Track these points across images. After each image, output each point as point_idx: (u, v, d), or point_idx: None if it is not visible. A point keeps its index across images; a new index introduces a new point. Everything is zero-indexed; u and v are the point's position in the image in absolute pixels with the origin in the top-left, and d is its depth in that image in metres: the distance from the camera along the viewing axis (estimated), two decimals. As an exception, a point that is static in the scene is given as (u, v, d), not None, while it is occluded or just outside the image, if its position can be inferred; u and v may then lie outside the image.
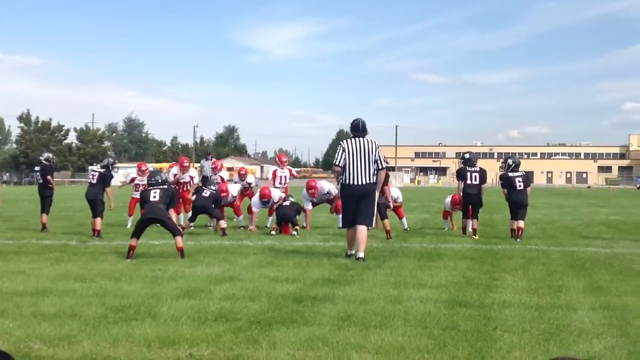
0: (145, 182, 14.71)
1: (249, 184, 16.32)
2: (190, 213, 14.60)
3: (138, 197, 14.11)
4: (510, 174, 12.74)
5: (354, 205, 9.61)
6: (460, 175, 13.30)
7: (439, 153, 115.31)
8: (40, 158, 14.97)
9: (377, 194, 9.87)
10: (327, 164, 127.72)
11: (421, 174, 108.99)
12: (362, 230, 9.47)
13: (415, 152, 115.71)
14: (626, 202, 32.27)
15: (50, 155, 15.33)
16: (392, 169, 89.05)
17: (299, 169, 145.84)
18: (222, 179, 16.25)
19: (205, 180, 17.32)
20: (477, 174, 13.12)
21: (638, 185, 75.59)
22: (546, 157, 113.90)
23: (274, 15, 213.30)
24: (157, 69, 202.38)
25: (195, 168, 20.41)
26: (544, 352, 4.65)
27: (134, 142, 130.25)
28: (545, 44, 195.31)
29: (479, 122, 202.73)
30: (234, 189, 15.32)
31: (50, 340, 4.87)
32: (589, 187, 78.99)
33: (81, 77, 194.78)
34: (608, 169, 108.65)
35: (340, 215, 12.19)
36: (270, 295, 6.59)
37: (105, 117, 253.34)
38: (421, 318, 5.61)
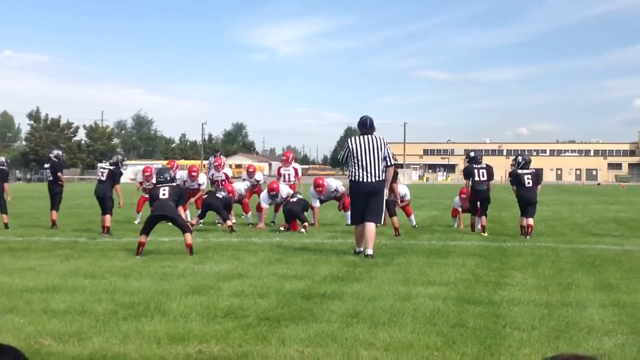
0: (151, 186, 14.99)
1: (258, 181, 16.34)
2: (200, 210, 14.69)
3: (146, 195, 14.35)
4: (519, 171, 12.69)
5: (362, 202, 9.59)
6: (468, 173, 13.29)
7: (447, 150, 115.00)
8: (50, 155, 15.01)
9: (386, 191, 9.86)
10: (335, 161, 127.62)
11: (430, 171, 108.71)
12: (370, 227, 9.46)
13: (424, 149, 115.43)
14: (636, 199, 32.09)
15: (60, 152, 15.38)
16: (401, 166, 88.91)
17: (306, 166, 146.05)
18: (227, 176, 16.23)
19: (211, 180, 17.33)
20: (484, 170, 13.12)
21: None
22: (555, 154, 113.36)
23: (280, 14, 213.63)
24: (166, 67, 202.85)
25: (204, 166, 20.43)
26: (553, 350, 4.64)
27: (142, 140, 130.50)
28: (552, 41, 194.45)
29: (486, 120, 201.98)
30: (241, 187, 15.34)
31: (60, 337, 4.90)
32: (598, 184, 78.62)
33: (89, 75, 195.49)
34: (618, 166, 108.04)
35: (349, 213, 12.18)
36: (279, 292, 6.60)
37: (114, 115, 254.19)
38: (430, 315, 5.61)
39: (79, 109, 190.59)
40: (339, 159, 10.02)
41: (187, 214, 14.86)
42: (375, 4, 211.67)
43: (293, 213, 13.46)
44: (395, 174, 13.39)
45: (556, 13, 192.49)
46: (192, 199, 14.92)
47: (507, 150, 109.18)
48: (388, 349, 4.64)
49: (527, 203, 12.53)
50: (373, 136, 9.70)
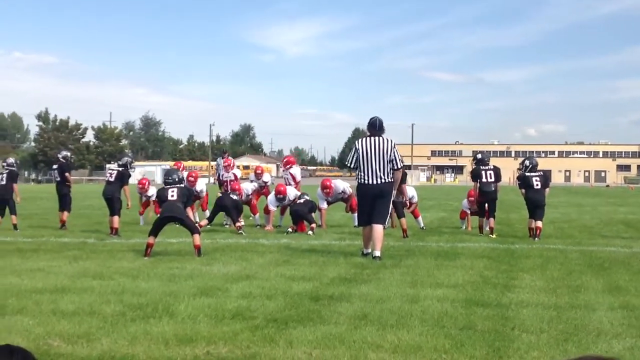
0: (149, 195, 15.40)
1: (265, 182, 16.35)
2: (207, 212, 14.75)
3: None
4: (527, 174, 12.65)
5: (369, 204, 9.58)
6: (475, 175, 13.26)
7: (455, 151, 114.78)
8: (58, 156, 15.08)
9: (393, 193, 9.85)
10: (343, 162, 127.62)
11: (437, 172, 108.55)
12: (378, 229, 9.44)
13: (432, 151, 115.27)
14: (645, 201, 31.93)
15: (68, 153, 15.44)
16: (408, 167, 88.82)
17: (314, 167, 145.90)
18: (236, 177, 16.26)
19: (221, 180, 17.36)
20: (491, 172, 13.10)
21: None
22: (564, 155, 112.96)
23: (287, 14, 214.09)
24: (174, 67, 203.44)
25: (212, 168, 20.47)
26: (562, 353, 4.62)
27: (150, 141, 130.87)
28: (560, 41, 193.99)
29: (494, 120, 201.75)
30: (249, 187, 15.35)
31: (69, 338, 4.92)
32: (607, 185, 78.27)
33: (98, 76, 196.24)
34: (627, 167, 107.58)
35: (356, 214, 12.18)
36: (286, 294, 6.60)
37: (122, 116, 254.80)
38: (438, 317, 5.60)
39: (88, 110, 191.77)
40: (348, 164, 9.94)
41: (197, 215, 14.90)
42: (382, 4, 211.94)
43: (300, 214, 13.47)
44: (404, 176, 13.39)
45: (564, 12, 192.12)
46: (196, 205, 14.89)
47: (515, 151, 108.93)
48: (396, 351, 4.63)
49: (535, 206, 12.48)
50: (381, 138, 9.66)
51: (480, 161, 13.38)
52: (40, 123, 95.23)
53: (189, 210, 10.29)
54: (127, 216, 15.46)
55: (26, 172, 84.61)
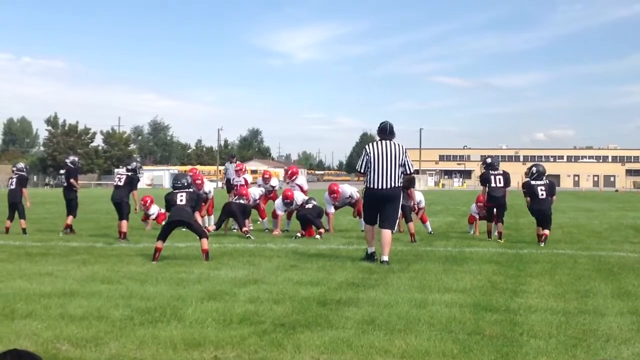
0: (150, 213, 15.62)
1: (273, 187, 16.36)
2: (212, 216, 14.79)
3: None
4: (532, 182, 12.45)
5: (377, 209, 9.55)
6: (484, 179, 13.21)
7: (463, 156, 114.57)
8: (66, 161, 15.12)
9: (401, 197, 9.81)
10: (350, 167, 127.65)
11: (445, 177, 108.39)
12: (386, 234, 9.42)
13: (440, 155, 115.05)
14: (655, 206, 31.77)
15: (76, 158, 15.49)
16: (417, 172, 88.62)
17: (322, 172, 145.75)
18: (246, 181, 16.30)
19: (229, 184, 17.39)
20: (500, 177, 13.03)
21: None
22: (573, 160, 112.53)
23: (296, 19, 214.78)
24: (182, 72, 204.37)
25: (220, 172, 20.53)
26: (571, 358, 4.61)
27: (159, 145, 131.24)
28: (568, 46, 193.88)
29: (502, 125, 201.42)
30: (256, 192, 15.36)
31: (77, 342, 4.93)
32: (616, 190, 77.91)
33: (106, 80, 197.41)
34: (637, 172, 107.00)
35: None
36: (294, 299, 6.60)
37: (131, 120, 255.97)
38: (446, 322, 5.58)
39: (96, 115, 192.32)
40: (358, 169, 9.81)
41: (206, 219, 14.92)
42: (390, 9, 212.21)
43: (308, 218, 13.47)
44: (412, 180, 13.37)
45: (572, 18, 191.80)
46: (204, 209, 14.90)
47: (523, 156, 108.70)
48: (404, 356, 4.62)
49: (540, 215, 12.30)
50: (392, 143, 9.60)
51: (489, 166, 13.33)
52: (50, 128, 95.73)
53: (197, 215, 10.30)
54: (136, 220, 15.52)
55: (35, 177, 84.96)
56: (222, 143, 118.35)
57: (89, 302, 6.41)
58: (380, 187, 9.45)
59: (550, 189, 12.53)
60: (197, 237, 9.93)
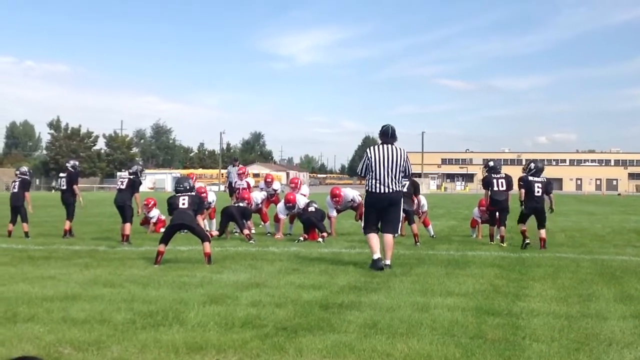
0: (150, 216, 15.68)
1: (275, 190, 16.37)
2: (214, 220, 14.81)
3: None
4: (530, 178, 12.38)
5: (378, 213, 9.45)
6: (487, 183, 13.20)
7: (465, 160, 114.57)
8: (67, 165, 15.08)
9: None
10: (352, 170, 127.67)
11: (448, 180, 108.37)
12: (388, 237, 9.39)
13: (442, 159, 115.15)
14: (657, 210, 31.72)
15: (77, 162, 15.48)
16: (419, 175, 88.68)
17: (324, 175, 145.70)
18: (248, 185, 16.31)
19: (231, 187, 17.40)
20: (503, 180, 13.01)
21: None
22: (575, 163, 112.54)
23: (299, 22, 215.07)
24: (184, 75, 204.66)
25: (222, 175, 20.53)
26: (573, 362, 4.60)
27: (161, 149, 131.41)
28: (571, 49, 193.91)
29: (505, 129, 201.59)
30: (258, 196, 15.37)
31: (79, 345, 4.93)
32: (619, 194, 77.82)
33: (109, 84, 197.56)
34: (639, 175, 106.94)
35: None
36: (296, 302, 6.59)
37: (133, 124, 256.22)
38: (448, 326, 5.57)
39: (99, 118, 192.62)
40: (359, 173, 9.75)
41: (206, 223, 14.93)
42: (393, 13, 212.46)
43: (312, 221, 13.48)
44: (417, 187, 13.39)
45: (575, 21, 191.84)
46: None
47: (525, 159, 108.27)
48: (406, 359, 4.62)
49: (534, 212, 12.20)
50: (394, 146, 9.51)
51: (492, 169, 13.32)
52: (52, 131, 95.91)
53: (199, 218, 10.32)
54: (137, 224, 15.53)
55: (38, 180, 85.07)
56: (225, 146, 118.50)
57: (92, 305, 6.41)
58: (381, 191, 9.37)
59: (546, 187, 12.42)
60: (200, 241, 9.93)
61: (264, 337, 5.18)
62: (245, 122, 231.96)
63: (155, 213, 15.76)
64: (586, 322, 5.82)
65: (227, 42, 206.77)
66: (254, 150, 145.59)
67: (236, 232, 14.75)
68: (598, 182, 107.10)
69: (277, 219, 14.46)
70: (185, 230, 10.78)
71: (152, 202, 15.65)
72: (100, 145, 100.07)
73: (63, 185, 14.65)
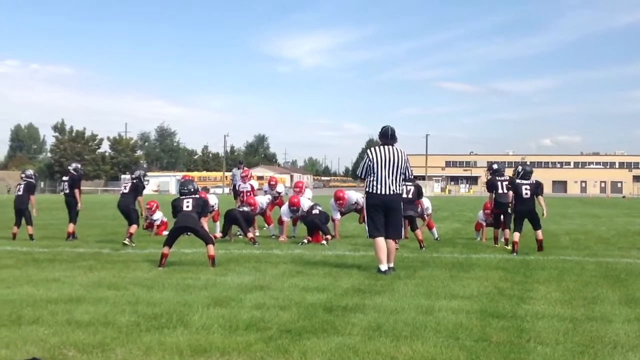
0: (154, 219, 15.69)
1: (279, 193, 16.37)
2: (218, 222, 14.83)
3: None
4: (518, 181, 12.14)
5: (380, 215, 9.30)
6: (491, 185, 13.17)
7: (470, 162, 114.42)
8: (69, 168, 15.08)
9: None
10: (356, 173, 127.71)
11: (452, 183, 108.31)
12: (390, 243, 9.31)
13: (446, 161, 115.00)
14: (662, 212, 31.64)
15: (79, 165, 15.49)
16: (423, 178, 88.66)
17: (328, 178, 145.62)
18: (252, 188, 16.32)
19: (235, 190, 17.39)
20: (507, 183, 12.96)
21: None
22: (580, 166, 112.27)
23: (303, 25, 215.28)
24: (188, 78, 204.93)
25: (227, 178, 20.55)
26: (578, 365, 4.58)
27: (165, 151, 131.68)
28: (576, 52, 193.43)
29: (509, 131, 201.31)
30: (263, 200, 15.37)
31: (84, 348, 4.93)
32: (623, 196, 77.63)
33: (113, 87, 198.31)
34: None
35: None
36: (300, 305, 6.59)
37: (137, 126, 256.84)
38: (453, 329, 5.57)
39: (103, 121, 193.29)
40: (359, 174, 9.63)
41: (211, 225, 14.95)
42: (396, 15, 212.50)
43: (316, 224, 13.49)
44: (421, 191, 13.34)
45: (579, 24, 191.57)
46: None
47: (530, 162, 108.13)
48: (410, 362, 4.61)
49: (525, 217, 11.98)
50: (395, 148, 9.44)
51: (496, 172, 13.30)
52: (57, 134, 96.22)
53: (203, 221, 10.33)
54: (141, 228, 15.55)
55: (42, 183, 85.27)
56: (229, 149, 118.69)
57: (96, 308, 6.42)
58: (381, 192, 9.26)
59: (536, 188, 12.13)
60: (204, 243, 9.94)
61: (268, 339, 5.18)
62: (249, 125, 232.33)
63: (158, 216, 15.79)
64: (591, 324, 5.81)
65: (231, 45, 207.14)
66: (257, 152, 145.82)
67: (240, 234, 14.77)
68: (603, 185, 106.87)
69: (280, 222, 14.46)
70: (189, 233, 10.78)
71: (155, 205, 15.67)
72: (105, 148, 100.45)
73: (66, 189, 14.68)
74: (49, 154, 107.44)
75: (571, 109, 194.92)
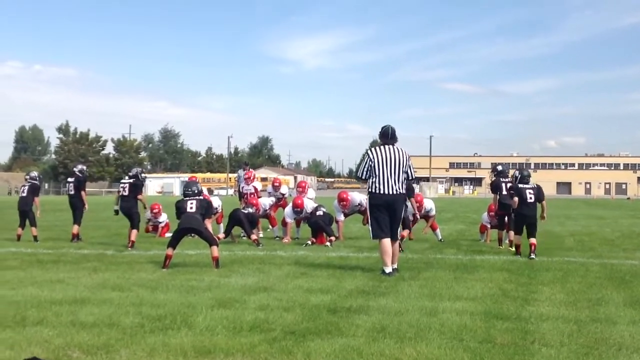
0: (159, 221, 15.73)
1: (283, 194, 16.37)
2: (221, 224, 14.82)
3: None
4: (520, 185, 11.84)
5: (384, 215, 9.23)
6: (495, 187, 13.15)
7: (474, 163, 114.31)
8: (75, 170, 15.11)
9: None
10: (357, 174, 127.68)
11: (456, 184, 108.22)
12: (395, 243, 9.30)
13: (450, 163, 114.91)
14: (667, 214, 31.54)
15: (84, 167, 15.53)
16: (427, 179, 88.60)
17: (332, 179, 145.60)
18: (256, 190, 16.32)
19: (241, 192, 17.40)
20: (510, 188, 12.92)
21: None
22: (584, 167, 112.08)
23: (306, 26, 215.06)
24: (192, 80, 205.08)
25: (230, 179, 20.55)
26: (583, 367, 4.57)
27: (169, 153, 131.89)
28: (580, 52, 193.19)
29: (513, 132, 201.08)
30: (266, 202, 15.38)
31: (88, 349, 4.94)
32: (628, 198, 77.45)
33: (117, 88, 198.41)
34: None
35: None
36: (304, 306, 6.59)
37: (141, 128, 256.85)
38: (457, 330, 5.56)
39: (107, 122, 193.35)
40: (360, 176, 9.55)
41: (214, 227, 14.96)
42: (399, 16, 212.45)
43: (320, 225, 13.49)
44: (412, 189, 13.28)
45: (583, 24, 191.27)
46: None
47: (534, 163, 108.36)
48: (414, 364, 4.60)
49: (527, 222, 11.64)
50: (396, 147, 9.37)
51: (500, 173, 13.28)
52: (61, 135, 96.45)
53: (207, 222, 10.33)
54: (144, 230, 15.57)
55: (47, 185, 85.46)
56: (232, 151, 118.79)
57: (100, 309, 6.43)
58: (386, 192, 9.20)
59: (538, 193, 11.85)
60: (208, 245, 9.95)
61: (272, 341, 5.18)
62: (253, 126, 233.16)
63: (163, 218, 15.80)
64: (595, 326, 5.80)
65: (234, 47, 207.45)
66: (261, 154, 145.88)
67: (243, 236, 14.77)
68: (607, 186, 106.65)
69: (284, 223, 14.47)
70: (193, 234, 10.79)
71: (158, 208, 15.68)
72: (109, 149, 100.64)
73: (71, 190, 14.71)
74: (53, 156, 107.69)
75: (575, 110, 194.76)
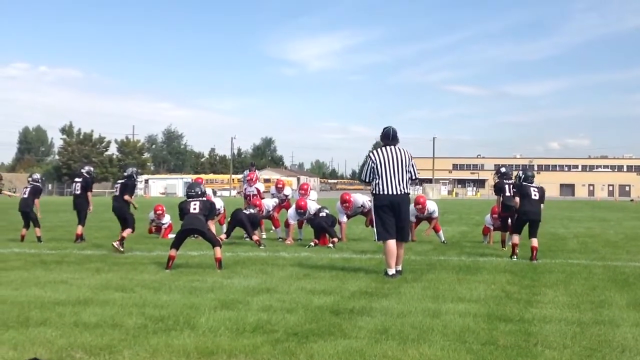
0: (162, 223, 15.65)
1: (286, 196, 16.38)
2: (224, 226, 14.82)
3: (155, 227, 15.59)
4: (524, 184, 11.73)
5: (389, 216, 9.20)
6: (499, 188, 13.14)
7: (477, 165, 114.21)
8: (82, 171, 15.13)
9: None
10: (360, 177, 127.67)
11: (459, 186, 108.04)
12: (399, 244, 9.29)
13: (453, 164, 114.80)
14: (671, 216, 31.46)
15: (92, 169, 15.55)
16: (430, 181, 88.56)
17: (334, 181, 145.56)
18: (259, 191, 16.33)
19: (245, 194, 17.40)
20: (512, 187, 12.92)
21: None
22: (588, 169, 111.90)
23: (310, 28, 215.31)
24: (195, 81, 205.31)
25: (233, 180, 20.55)
26: (586, 369, 4.56)
27: (172, 154, 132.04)
28: (584, 54, 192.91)
29: (516, 134, 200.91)
30: (269, 203, 15.38)
31: (91, 350, 4.95)
32: (632, 200, 77.27)
33: (121, 90, 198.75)
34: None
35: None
36: (307, 308, 6.59)
37: (145, 129, 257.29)
38: (460, 332, 5.56)
39: (111, 123, 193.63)
40: (363, 179, 9.54)
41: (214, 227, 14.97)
42: (403, 18, 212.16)
43: (323, 226, 13.49)
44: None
45: (587, 26, 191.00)
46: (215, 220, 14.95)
47: (537, 165, 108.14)
48: (417, 366, 4.60)
49: (530, 218, 11.43)
50: (398, 148, 9.36)
51: (503, 175, 13.27)
52: (65, 136, 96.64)
53: (210, 224, 10.34)
54: (144, 229, 15.58)
55: (50, 185, 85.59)
56: (236, 152, 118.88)
57: (103, 310, 6.44)
58: (391, 192, 9.18)
59: (542, 193, 11.74)
60: (210, 246, 9.96)
61: (275, 342, 5.18)
62: (256, 128, 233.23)
63: (167, 219, 15.81)
64: (598, 328, 5.79)
65: (238, 48, 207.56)
66: (264, 155, 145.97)
67: (246, 237, 14.78)
68: (611, 188, 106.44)
69: (287, 224, 14.47)
70: (197, 235, 10.79)
71: (162, 209, 15.67)
72: (112, 150, 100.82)
73: (77, 190, 14.72)
74: (56, 157, 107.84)
75: (579, 112, 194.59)
